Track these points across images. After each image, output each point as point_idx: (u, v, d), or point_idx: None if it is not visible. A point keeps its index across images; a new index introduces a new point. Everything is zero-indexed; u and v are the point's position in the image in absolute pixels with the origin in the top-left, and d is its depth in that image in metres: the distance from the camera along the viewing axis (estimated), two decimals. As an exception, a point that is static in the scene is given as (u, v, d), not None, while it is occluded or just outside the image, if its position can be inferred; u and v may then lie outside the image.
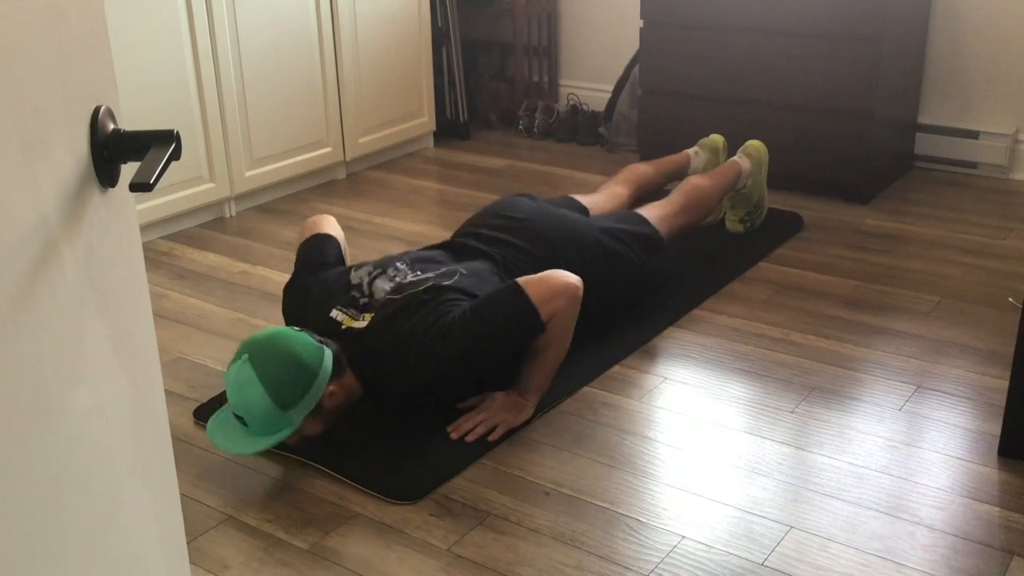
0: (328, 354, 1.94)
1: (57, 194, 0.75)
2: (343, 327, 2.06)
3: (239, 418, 1.89)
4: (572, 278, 2.06)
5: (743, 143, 3.20)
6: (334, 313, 2.10)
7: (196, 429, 2.11)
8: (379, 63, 3.62)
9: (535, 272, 2.18)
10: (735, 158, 2.92)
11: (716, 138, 3.03)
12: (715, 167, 2.94)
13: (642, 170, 2.88)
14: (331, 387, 1.94)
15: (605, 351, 2.36)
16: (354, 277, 2.16)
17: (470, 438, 2.02)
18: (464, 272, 2.16)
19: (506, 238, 2.34)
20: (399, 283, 2.12)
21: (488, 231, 2.37)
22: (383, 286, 2.12)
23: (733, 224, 3.00)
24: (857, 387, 2.21)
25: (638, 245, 2.47)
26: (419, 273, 2.15)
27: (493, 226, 2.38)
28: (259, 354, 1.88)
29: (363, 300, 2.11)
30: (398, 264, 2.19)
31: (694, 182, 2.75)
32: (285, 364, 1.88)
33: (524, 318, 2.01)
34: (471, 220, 2.47)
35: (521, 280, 2.05)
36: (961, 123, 3.51)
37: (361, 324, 2.06)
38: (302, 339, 1.92)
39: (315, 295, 2.17)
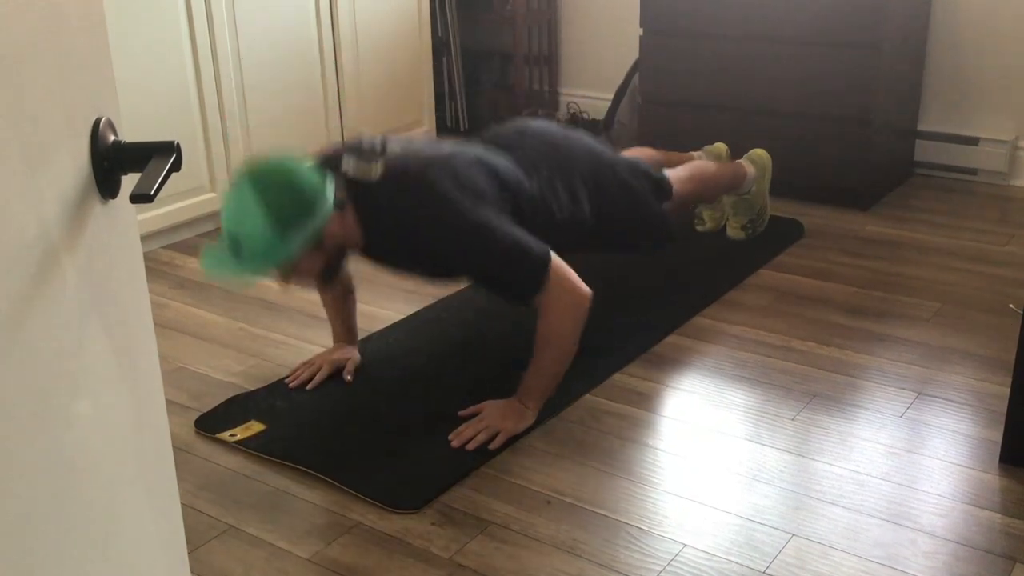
0: (330, 183, 1.87)
1: (58, 205, 0.75)
2: (351, 174, 2.00)
3: (233, 244, 1.81)
4: (587, 289, 2.05)
5: (744, 151, 3.20)
6: (344, 159, 2.02)
7: (197, 439, 2.11)
8: (380, 71, 3.63)
9: (552, 175, 2.21)
10: (740, 161, 2.93)
11: (720, 146, 3.03)
12: (762, 187, 2.97)
13: (650, 152, 2.92)
14: (332, 219, 1.89)
15: (606, 359, 2.36)
16: (366, 139, 2.10)
17: (471, 446, 2.02)
18: (482, 153, 2.14)
19: (526, 142, 2.32)
20: (412, 146, 2.09)
21: (506, 138, 2.34)
22: (395, 148, 2.07)
23: (735, 231, 3.00)
24: (858, 394, 2.20)
25: (649, 184, 2.49)
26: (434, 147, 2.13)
27: (510, 134, 2.37)
28: (259, 175, 1.82)
29: (374, 149, 2.05)
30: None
31: (699, 163, 2.79)
32: (287, 184, 1.82)
33: (526, 280, 1.99)
34: (486, 133, 2.42)
35: (555, 257, 2.02)
36: (961, 130, 3.51)
37: (373, 175, 2.00)
38: (305, 165, 1.87)
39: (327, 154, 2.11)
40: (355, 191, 1.99)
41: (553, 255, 2.03)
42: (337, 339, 2.37)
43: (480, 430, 2.05)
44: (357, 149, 2.05)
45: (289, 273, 1.90)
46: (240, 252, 1.83)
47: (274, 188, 1.82)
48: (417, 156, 2.07)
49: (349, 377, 2.28)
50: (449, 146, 2.17)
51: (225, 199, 1.85)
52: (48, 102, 0.75)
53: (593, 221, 2.32)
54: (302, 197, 1.84)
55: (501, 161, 2.19)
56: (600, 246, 2.41)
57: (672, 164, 2.93)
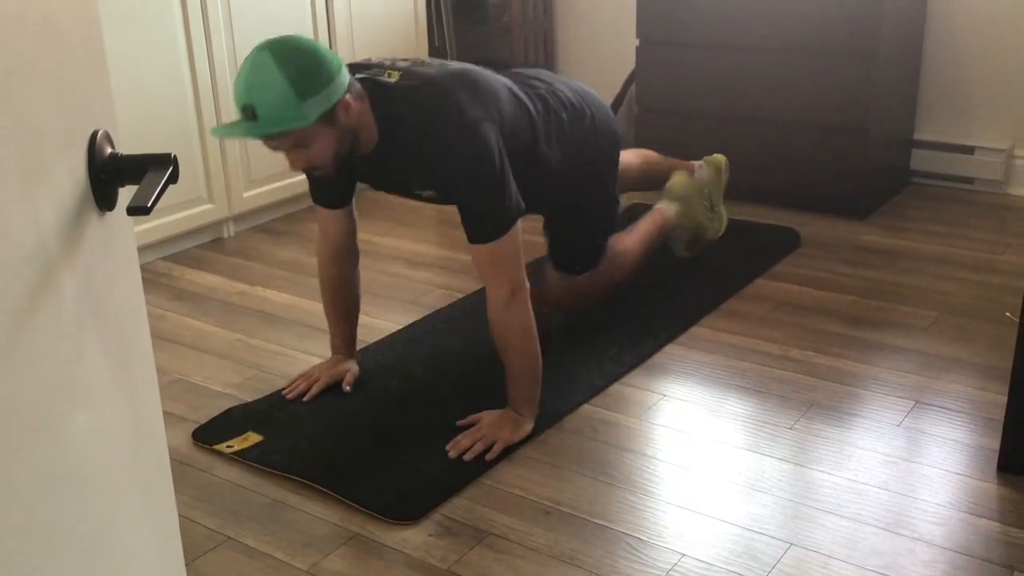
0: (345, 66, 1.92)
1: (56, 218, 0.76)
2: (367, 77, 2.03)
3: (248, 111, 1.81)
4: (525, 281, 2.06)
5: (742, 160, 3.21)
6: (359, 69, 2.06)
7: (195, 450, 2.11)
8: (377, 83, 3.64)
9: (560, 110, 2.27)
10: (660, 206, 2.81)
11: (719, 158, 3.00)
12: (719, 184, 2.94)
13: (652, 154, 2.93)
14: (348, 98, 1.90)
15: (604, 369, 2.36)
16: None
17: (468, 456, 2.02)
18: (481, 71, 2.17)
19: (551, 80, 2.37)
20: (431, 60, 2.15)
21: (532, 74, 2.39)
22: (404, 64, 2.12)
23: (681, 251, 2.90)
24: (856, 403, 2.21)
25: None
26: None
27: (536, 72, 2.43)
28: (279, 43, 1.84)
29: (390, 63, 2.10)
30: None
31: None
32: (306, 53, 1.85)
33: (491, 221, 2.01)
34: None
35: (518, 228, 2.05)
36: (957, 139, 3.52)
37: (390, 79, 2.03)
38: (323, 44, 1.91)
39: None
40: (372, 92, 2.00)
41: (519, 224, 2.05)
42: (335, 350, 2.37)
43: (477, 440, 2.05)
44: (368, 63, 2.11)
45: (301, 147, 1.89)
46: (255, 118, 1.82)
47: (294, 54, 1.84)
48: (438, 66, 2.12)
49: (348, 388, 2.28)
50: (467, 65, 2.21)
51: (241, 70, 1.85)
52: (46, 115, 0.75)
53: (576, 171, 2.36)
54: (321, 67, 1.85)
55: (519, 85, 2.24)
56: (564, 200, 2.42)
57: (673, 168, 2.93)
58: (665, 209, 2.79)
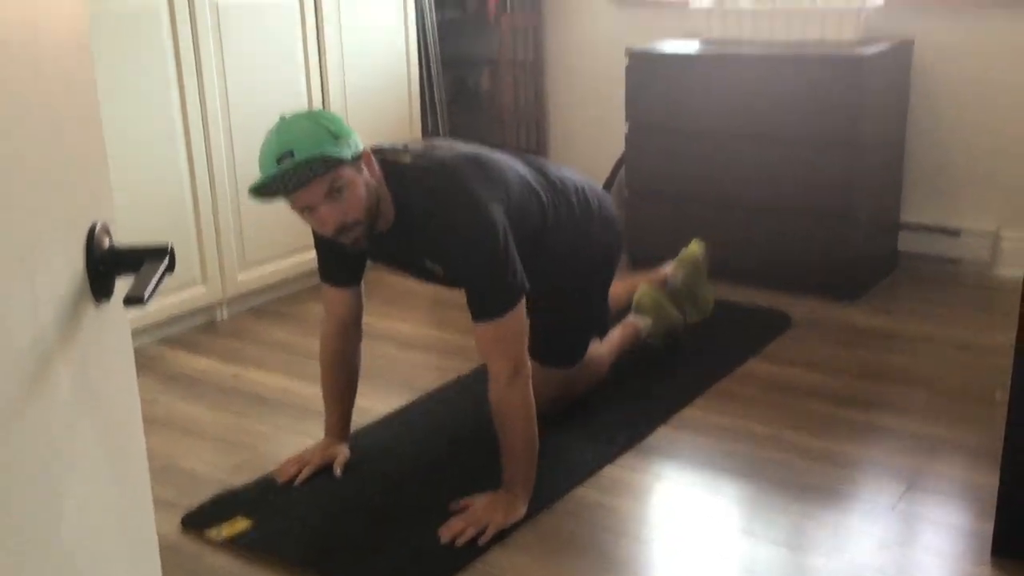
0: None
1: (54, 309, 0.77)
2: (382, 159, 2.11)
3: (285, 156, 1.90)
4: (527, 361, 2.10)
5: (731, 243, 3.26)
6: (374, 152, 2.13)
7: (184, 537, 2.09)
8: (371, 168, 3.69)
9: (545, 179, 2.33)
10: (631, 319, 2.83)
11: (694, 250, 2.97)
12: (698, 276, 2.94)
13: (619, 288, 2.85)
14: (371, 156, 2.03)
15: (597, 451, 2.35)
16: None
17: (460, 541, 2.01)
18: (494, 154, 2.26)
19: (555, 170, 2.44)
20: (442, 141, 2.29)
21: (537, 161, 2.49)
22: (418, 147, 2.22)
23: (650, 338, 2.89)
24: (850, 485, 2.20)
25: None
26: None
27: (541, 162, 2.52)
28: (300, 112, 2.04)
29: (402, 146, 2.21)
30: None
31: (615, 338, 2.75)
32: (327, 113, 2.06)
33: (497, 296, 2.06)
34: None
35: (522, 307, 2.10)
36: (943, 221, 3.57)
37: (403, 159, 2.14)
38: None
39: None
40: (387, 172, 2.09)
41: (523, 303, 2.10)
42: (329, 431, 2.36)
43: (469, 524, 2.03)
44: (381, 147, 2.20)
45: (335, 194, 1.95)
46: (293, 156, 1.91)
47: (316, 113, 2.05)
48: (448, 148, 2.24)
49: (339, 472, 2.27)
50: (479, 147, 2.32)
51: (267, 139, 1.97)
52: (46, 209, 0.77)
53: (581, 257, 2.43)
54: (342, 122, 2.02)
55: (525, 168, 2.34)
56: (566, 285, 2.46)
57: (639, 282, 2.92)
58: (637, 322, 2.82)
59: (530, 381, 2.10)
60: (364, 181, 1.99)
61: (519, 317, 2.08)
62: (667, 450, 2.38)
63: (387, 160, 2.11)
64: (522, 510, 2.09)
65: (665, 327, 2.87)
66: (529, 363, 2.10)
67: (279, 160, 1.91)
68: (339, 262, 2.24)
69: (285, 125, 1.96)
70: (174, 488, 2.26)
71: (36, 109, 0.76)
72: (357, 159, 1.98)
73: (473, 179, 2.10)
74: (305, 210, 1.98)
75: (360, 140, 2.02)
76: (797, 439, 2.40)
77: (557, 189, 2.34)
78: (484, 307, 2.07)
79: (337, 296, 2.28)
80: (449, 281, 2.23)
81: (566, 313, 2.51)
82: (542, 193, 2.28)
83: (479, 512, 2.06)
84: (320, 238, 2.18)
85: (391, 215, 2.09)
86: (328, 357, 2.33)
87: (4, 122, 0.71)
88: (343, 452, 2.32)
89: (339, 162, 1.92)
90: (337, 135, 1.95)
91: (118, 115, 2.84)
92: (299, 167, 1.90)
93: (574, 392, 2.54)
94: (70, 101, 0.84)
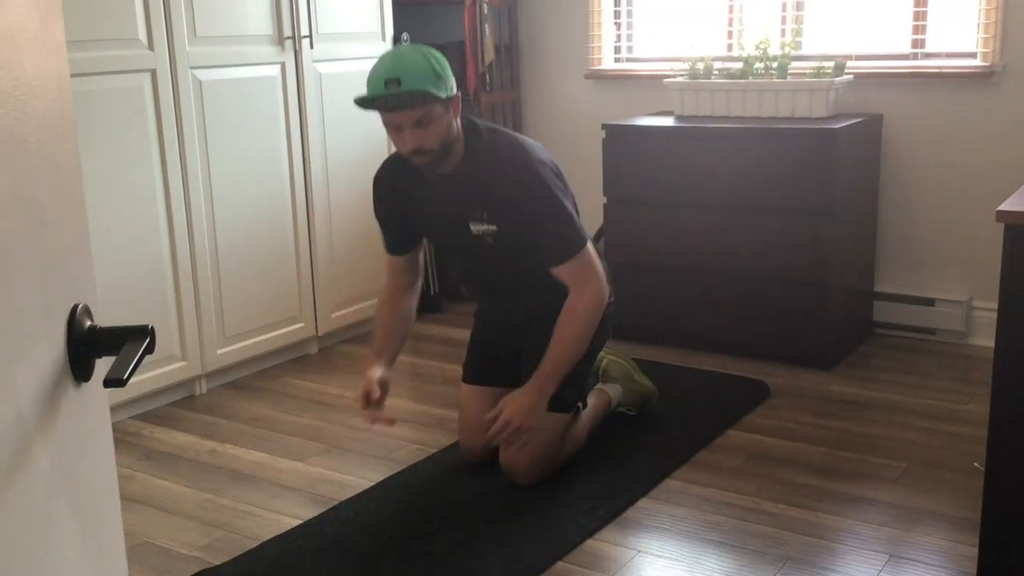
0: None
1: (33, 392, 0.77)
2: (470, 117, 2.46)
3: (393, 82, 2.19)
4: (607, 286, 2.44)
5: (708, 311, 3.28)
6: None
7: (159, 617, 2.05)
8: (352, 239, 3.72)
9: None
10: (602, 386, 2.86)
11: (614, 368, 2.91)
12: (634, 387, 2.90)
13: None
14: (459, 100, 2.32)
15: (577, 524, 2.34)
16: None
17: (499, 438, 2.39)
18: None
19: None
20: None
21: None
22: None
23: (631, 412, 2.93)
24: (831, 557, 2.19)
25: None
26: None
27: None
28: (416, 44, 2.35)
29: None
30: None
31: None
32: (439, 55, 2.29)
33: (566, 240, 2.37)
34: None
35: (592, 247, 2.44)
36: (917, 291, 3.62)
37: (487, 125, 2.49)
38: None
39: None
40: (464, 124, 2.39)
41: (591, 244, 2.42)
42: (376, 357, 2.55)
43: (502, 428, 2.37)
44: (471, 114, 2.54)
45: (423, 125, 2.24)
46: (399, 84, 2.20)
47: (429, 51, 2.29)
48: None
49: (377, 391, 2.45)
50: None
51: (382, 58, 2.28)
52: (28, 293, 0.78)
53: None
54: (447, 66, 2.30)
55: None
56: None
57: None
58: (608, 390, 2.85)
59: (603, 308, 2.41)
60: (448, 121, 2.30)
61: (594, 254, 2.41)
62: (648, 522, 2.37)
63: (472, 119, 2.43)
64: (542, 405, 2.39)
65: (639, 395, 2.90)
66: (605, 283, 2.42)
67: (387, 83, 2.21)
68: (400, 234, 2.58)
69: (400, 53, 2.27)
70: (149, 568, 2.23)
71: (21, 192, 0.78)
72: (449, 100, 2.28)
73: (544, 164, 2.41)
74: (392, 127, 2.29)
75: (455, 85, 2.32)
76: (778, 510, 2.40)
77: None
78: (560, 248, 2.37)
79: (396, 263, 2.62)
80: (501, 244, 2.42)
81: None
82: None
83: (508, 415, 2.36)
84: (384, 215, 2.59)
85: (459, 160, 2.38)
86: (385, 309, 2.62)
87: (-11, 207, 0.72)
88: (386, 374, 2.50)
89: (435, 99, 2.23)
90: (440, 75, 2.25)
91: (100, 191, 2.86)
92: (402, 95, 2.20)
93: (556, 458, 2.55)
94: (54, 184, 0.85)
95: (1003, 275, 1.81)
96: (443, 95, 2.25)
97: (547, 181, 2.37)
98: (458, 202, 2.43)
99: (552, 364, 2.39)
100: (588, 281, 2.39)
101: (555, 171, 2.46)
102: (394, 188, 2.54)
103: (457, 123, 2.35)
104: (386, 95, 2.21)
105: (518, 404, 2.38)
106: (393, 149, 2.60)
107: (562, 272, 2.38)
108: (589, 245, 2.42)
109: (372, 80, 2.26)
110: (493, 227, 2.40)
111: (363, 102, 2.26)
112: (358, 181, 3.72)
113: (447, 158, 2.35)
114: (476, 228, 2.42)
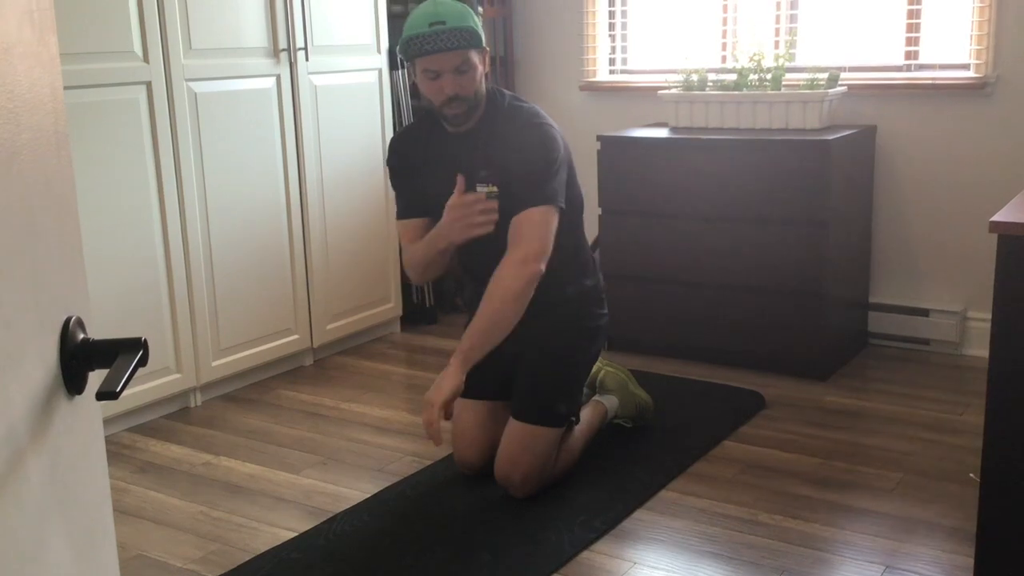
0: None
1: (26, 405, 0.77)
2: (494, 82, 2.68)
3: (438, 23, 2.29)
4: (543, 265, 2.37)
5: (704, 322, 3.28)
6: None
7: (153, 631, 2.04)
8: (348, 251, 3.72)
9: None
10: (599, 398, 2.84)
11: (610, 379, 2.89)
12: (630, 398, 2.88)
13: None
14: (487, 53, 2.45)
15: (573, 536, 2.33)
16: None
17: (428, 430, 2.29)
18: None
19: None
20: None
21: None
22: None
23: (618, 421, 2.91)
24: (827, 569, 2.19)
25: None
26: None
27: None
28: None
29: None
30: None
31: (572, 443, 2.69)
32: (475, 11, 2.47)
33: (541, 188, 2.38)
34: None
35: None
36: (911, 302, 3.63)
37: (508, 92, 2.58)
38: None
39: None
40: (490, 87, 2.49)
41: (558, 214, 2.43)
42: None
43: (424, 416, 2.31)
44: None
45: (462, 71, 2.34)
46: (444, 24, 2.31)
47: (464, 3, 2.40)
48: None
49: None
50: None
51: (424, 5, 2.36)
52: (21, 306, 0.78)
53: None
54: (480, 23, 2.41)
55: None
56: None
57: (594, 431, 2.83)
58: (604, 402, 2.84)
59: (536, 283, 2.35)
60: (482, 73, 2.41)
61: (556, 219, 2.39)
62: (644, 534, 2.37)
63: (498, 87, 2.54)
64: (452, 381, 2.30)
65: (635, 407, 2.89)
66: (544, 267, 2.36)
67: (431, 25, 2.30)
68: (413, 197, 2.58)
69: (440, 1, 2.35)
70: (143, 581, 2.22)
71: (14, 204, 0.77)
72: (484, 51, 2.40)
73: (557, 136, 2.46)
74: (430, 74, 2.35)
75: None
76: (774, 521, 2.40)
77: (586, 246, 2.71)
78: (533, 194, 2.36)
79: (412, 226, 2.60)
80: (501, 211, 2.40)
81: (561, 370, 2.55)
82: (581, 237, 2.66)
83: (427, 397, 2.32)
84: (398, 178, 2.61)
85: (479, 115, 2.45)
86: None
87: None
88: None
89: (479, 41, 2.36)
90: (478, 24, 2.36)
91: (95, 203, 2.85)
92: (450, 32, 2.30)
93: (551, 471, 2.54)
94: (48, 196, 0.85)
95: (997, 285, 1.82)
96: (481, 42, 2.38)
97: (551, 143, 2.42)
98: (468, 164, 2.46)
99: (469, 339, 2.36)
100: (531, 237, 2.36)
101: (565, 148, 2.49)
102: (407, 157, 2.60)
103: (487, 76, 2.46)
104: (433, 32, 2.29)
105: (434, 386, 2.34)
106: (393, 148, 2.67)
107: (526, 215, 2.37)
108: (557, 212, 2.40)
109: (413, 24, 2.34)
110: (495, 188, 2.42)
111: (405, 44, 2.33)
112: (353, 193, 3.72)
113: (475, 113, 2.44)
114: (480, 190, 2.44)
